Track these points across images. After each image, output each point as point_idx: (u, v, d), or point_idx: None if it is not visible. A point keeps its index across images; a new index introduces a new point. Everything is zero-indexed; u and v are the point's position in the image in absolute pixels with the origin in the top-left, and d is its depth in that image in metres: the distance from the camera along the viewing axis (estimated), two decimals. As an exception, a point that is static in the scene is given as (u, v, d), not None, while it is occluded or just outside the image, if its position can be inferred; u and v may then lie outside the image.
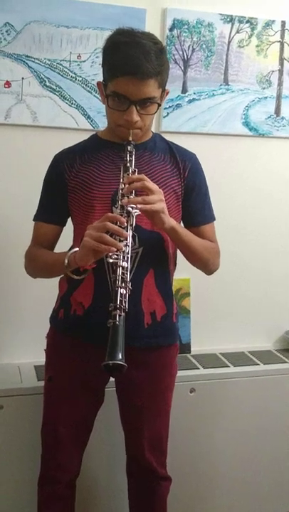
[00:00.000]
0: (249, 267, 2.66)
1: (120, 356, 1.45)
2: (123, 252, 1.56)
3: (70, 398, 1.83)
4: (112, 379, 1.88)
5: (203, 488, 2.43)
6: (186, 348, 2.53)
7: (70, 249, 1.71)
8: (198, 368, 2.42)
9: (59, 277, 1.86)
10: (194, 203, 1.83)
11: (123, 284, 1.55)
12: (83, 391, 1.83)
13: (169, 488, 1.95)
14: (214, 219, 1.88)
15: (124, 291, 1.55)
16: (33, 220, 1.88)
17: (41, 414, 1.90)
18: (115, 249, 1.54)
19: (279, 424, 2.51)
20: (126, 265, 1.56)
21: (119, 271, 1.55)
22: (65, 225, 1.88)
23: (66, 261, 1.67)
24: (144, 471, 1.89)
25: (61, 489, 1.87)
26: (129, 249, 1.59)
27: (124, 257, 1.56)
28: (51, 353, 1.90)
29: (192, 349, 2.56)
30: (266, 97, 2.55)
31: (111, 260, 1.56)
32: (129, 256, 1.59)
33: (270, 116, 2.57)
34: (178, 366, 1.95)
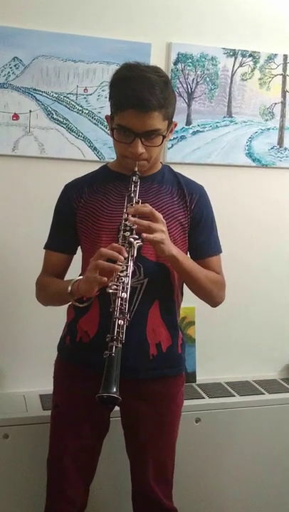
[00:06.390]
0: (254, 296, 2.67)
1: (114, 389, 1.46)
2: (122, 282, 1.57)
3: (74, 426, 1.83)
4: (116, 408, 1.86)
5: (209, 520, 2.41)
6: (191, 377, 2.53)
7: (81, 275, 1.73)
8: (204, 398, 2.42)
9: (67, 306, 1.88)
10: (200, 235, 1.83)
11: (121, 315, 1.56)
12: (87, 420, 1.82)
13: (175, 520, 1.93)
14: (220, 251, 1.88)
15: (122, 322, 1.56)
16: (44, 248, 1.90)
17: (47, 443, 1.89)
18: (118, 269, 1.56)
19: (285, 453, 2.49)
20: (125, 296, 1.58)
21: (118, 302, 1.56)
22: (75, 254, 1.90)
23: (69, 289, 1.70)
24: (150, 502, 1.87)
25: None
26: (129, 280, 1.60)
27: (123, 288, 1.58)
28: (57, 381, 1.91)
29: (197, 378, 2.56)
30: (269, 129, 2.59)
31: (111, 291, 1.57)
32: (129, 287, 1.60)
33: (273, 147, 2.61)
34: (184, 396, 1.94)
